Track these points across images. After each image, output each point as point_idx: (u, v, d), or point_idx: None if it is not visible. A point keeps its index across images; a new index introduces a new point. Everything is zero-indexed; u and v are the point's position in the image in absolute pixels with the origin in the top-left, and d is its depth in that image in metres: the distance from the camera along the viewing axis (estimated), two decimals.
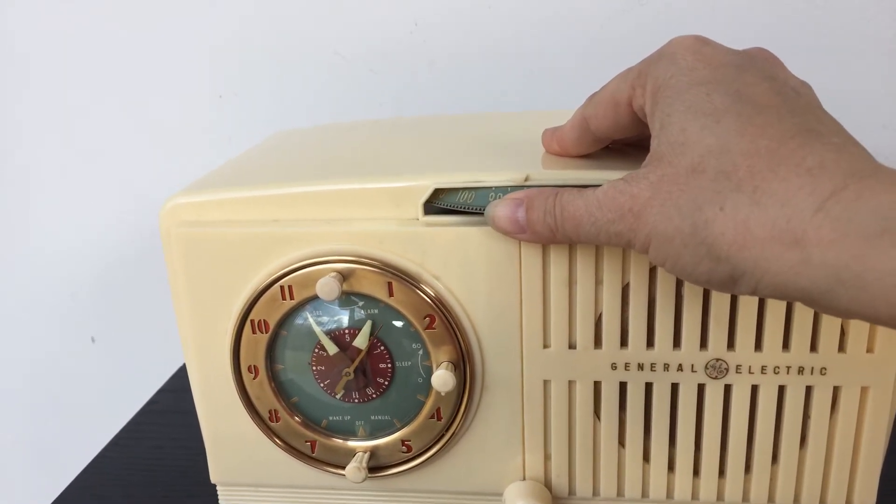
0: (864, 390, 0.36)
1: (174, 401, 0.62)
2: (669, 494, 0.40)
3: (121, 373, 0.81)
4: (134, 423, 0.59)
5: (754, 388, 0.37)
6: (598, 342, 0.37)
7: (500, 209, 0.34)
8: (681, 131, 0.29)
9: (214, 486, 0.45)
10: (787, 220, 0.25)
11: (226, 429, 0.42)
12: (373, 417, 0.41)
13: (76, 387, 0.83)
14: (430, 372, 0.39)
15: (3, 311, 0.81)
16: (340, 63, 0.68)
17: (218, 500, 0.45)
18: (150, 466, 0.53)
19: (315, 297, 0.38)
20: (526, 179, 0.36)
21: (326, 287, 0.36)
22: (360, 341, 0.39)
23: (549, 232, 0.33)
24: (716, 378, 0.37)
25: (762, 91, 0.29)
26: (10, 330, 0.82)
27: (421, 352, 0.39)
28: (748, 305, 0.35)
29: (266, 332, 0.39)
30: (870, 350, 0.35)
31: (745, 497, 0.39)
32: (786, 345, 0.36)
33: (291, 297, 0.38)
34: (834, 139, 0.27)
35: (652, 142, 0.30)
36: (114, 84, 0.70)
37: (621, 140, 0.37)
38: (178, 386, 0.64)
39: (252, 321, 0.39)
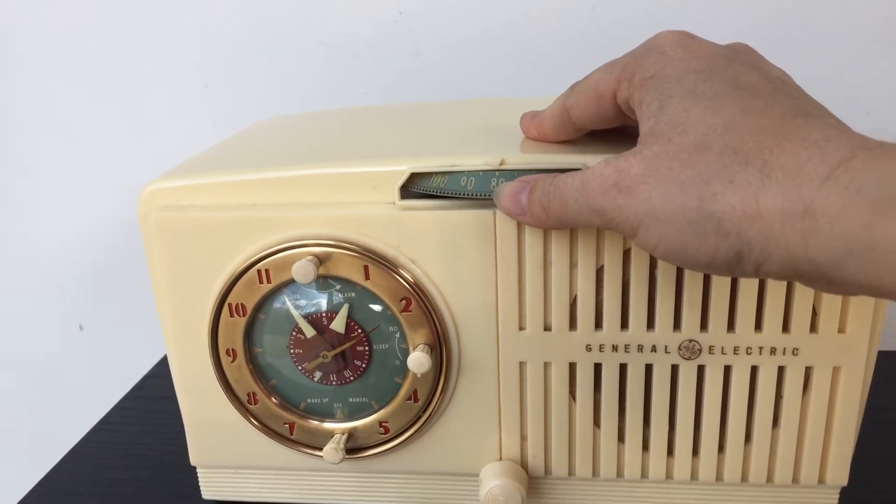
0: (835, 370, 0.37)
1: (160, 387, 0.63)
2: (644, 474, 0.40)
3: (109, 360, 0.81)
4: (119, 408, 0.60)
5: (727, 369, 0.37)
6: (573, 324, 0.38)
7: (505, 190, 0.34)
8: (684, 110, 0.28)
9: (195, 468, 0.45)
10: (797, 190, 0.25)
11: (205, 411, 0.43)
12: (350, 400, 0.41)
13: (65, 375, 0.83)
14: (406, 354, 0.39)
15: None
16: (326, 52, 0.68)
17: (199, 482, 0.46)
18: (134, 450, 0.53)
19: (292, 281, 0.38)
20: (501, 163, 0.36)
21: (302, 270, 0.37)
22: (338, 324, 0.39)
23: (542, 212, 0.32)
24: (689, 359, 0.37)
25: (754, 79, 0.29)
26: None
27: (398, 335, 0.39)
28: (721, 286, 0.36)
29: (244, 316, 0.40)
30: (841, 330, 0.36)
31: (719, 476, 0.39)
32: (758, 325, 0.36)
33: (269, 281, 0.39)
34: (830, 120, 0.27)
35: (645, 123, 0.30)
36: (99, 75, 0.70)
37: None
38: (164, 372, 0.64)
39: (230, 305, 0.39)
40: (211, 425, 0.43)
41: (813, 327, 0.36)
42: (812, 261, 0.25)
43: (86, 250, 0.77)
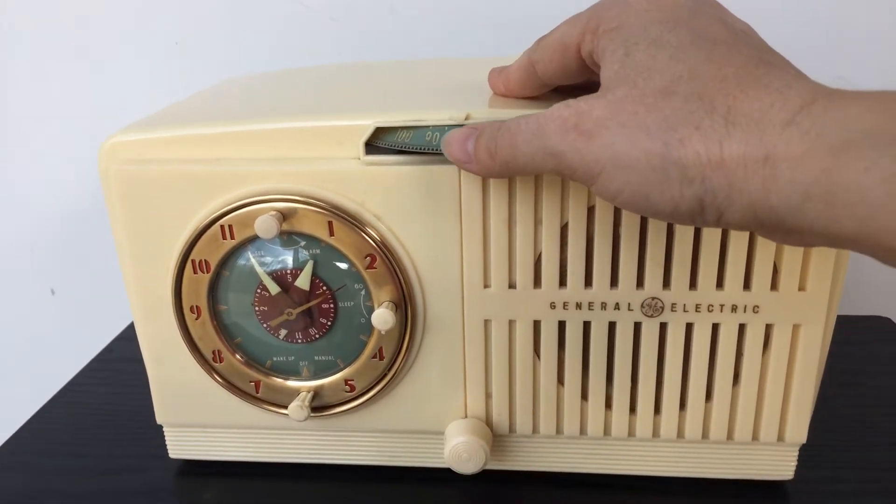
0: (795, 328, 0.37)
1: (131, 349, 0.62)
2: (607, 431, 0.40)
3: (81, 324, 0.80)
4: (88, 369, 0.59)
5: (689, 327, 0.38)
6: (537, 282, 0.38)
7: (453, 136, 0.34)
8: (650, 57, 0.28)
9: (162, 427, 0.45)
10: (759, 136, 0.25)
11: (169, 370, 0.42)
12: (316, 358, 0.41)
13: (36, 338, 0.82)
14: (372, 312, 0.39)
15: None
16: (301, 11, 0.67)
17: (165, 441, 0.46)
18: (102, 410, 0.53)
19: (257, 238, 0.38)
20: (467, 118, 0.35)
21: (264, 225, 0.36)
22: (302, 282, 0.39)
23: (488, 158, 0.32)
24: (651, 316, 0.37)
25: (717, 30, 0.29)
26: None
27: (363, 292, 0.39)
28: (684, 244, 0.36)
29: (207, 273, 0.39)
30: (802, 288, 0.36)
31: (680, 434, 0.40)
32: (720, 283, 0.36)
33: (232, 237, 0.38)
34: (791, 70, 0.27)
35: (608, 68, 0.29)
36: (68, 33, 0.69)
37: (568, 86, 0.37)
38: (135, 335, 0.63)
39: (193, 261, 0.39)
40: (176, 384, 0.43)
41: (774, 285, 0.36)
42: (772, 207, 0.25)
43: (56, 211, 0.76)
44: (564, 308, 0.38)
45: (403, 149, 0.36)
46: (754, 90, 0.26)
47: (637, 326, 0.38)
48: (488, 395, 0.41)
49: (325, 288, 0.39)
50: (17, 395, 0.84)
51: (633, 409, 0.40)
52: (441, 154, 0.36)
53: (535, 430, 0.41)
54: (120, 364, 0.60)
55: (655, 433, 0.40)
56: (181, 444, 0.46)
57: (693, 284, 0.37)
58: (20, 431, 0.51)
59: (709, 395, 0.39)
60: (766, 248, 0.35)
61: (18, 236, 0.78)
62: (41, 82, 0.71)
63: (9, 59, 0.70)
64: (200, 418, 0.44)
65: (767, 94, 0.25)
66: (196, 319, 0.40)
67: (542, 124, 0.29)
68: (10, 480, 0.46)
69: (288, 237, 0.39)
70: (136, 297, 0.41)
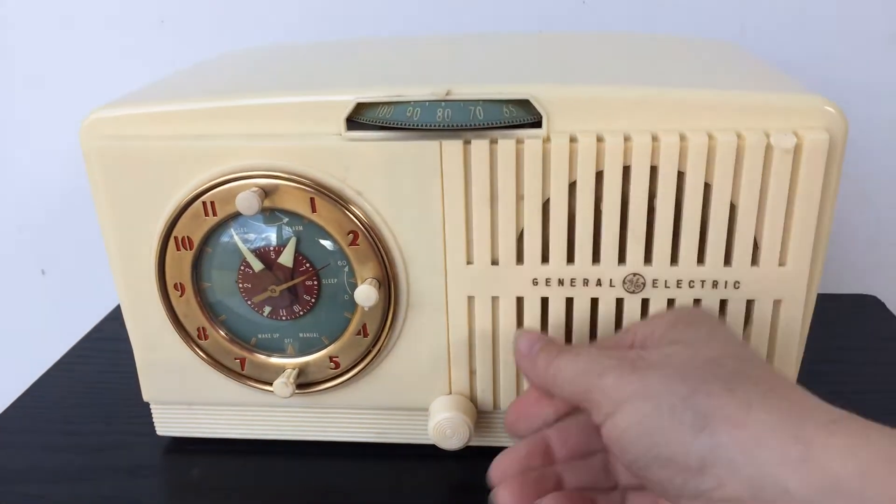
0: (776, 303, 0.37)
1: (119, 328, 0.62)
2: None
3: (70, 305, 0.80)
4: (77, 349, 0.59)
5: (670, 302, 0.38)
6: (520, 258, 0.38)
7: (528, 332, 0.34)
8: (706, 336, 0.30)
9: (149, 405, 0.45)
10: (797, 416, 0.25)
11: (155, 347, 0.42)
12: (301, 335, 0.41)
13: (26, 320, 0.82)
14: (355, 289, 0.39)
15: None
16: None
17: (152, 418, 0.46)
18: (90, 389, 0.53)
19: (239, 214, 0.38)
20: (447, 94, 0.35)
21: (246, 202, 0.36)
22: (285, 258, 0.39)
23: (544, 365, 0.32)
24: (633, 292, 0.37)
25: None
26: None
27: (346, 269, 0.39)
28: (664, 220, 0.36)
29: (190, 250, 0.39)
30: (782, 263, 0.36)
31: None
32: (700, 259, 0.37)
33: (214, 214, 0.38)
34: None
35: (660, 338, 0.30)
36: (53, 8, 0.68)
37: None
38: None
39: (176, 238, 0.39)
40: (162, 362, 0.43)
41: (754, 260, 0.36)
42: (785, 490, 0.24)
43: (45, 191, 0.76)
44: (547, 284, 0.38)
45: (385, 125, 0.36)
46: (799, 392, 0.26)
47: (619, 302, 0.38)
48: (472, 372, 0.41)
49: (308, 265, 0.39)
50: (7, 374, 0.85)
51: None
52: (423, 129, 0.36)
53: None
54: (108, 343, 0.60)
55: None
56: (168, 422, 0.46)
57: (674, 260, 0.37)
58: (8, 410, 0.51)
59: None
60: (746, 224, 0.35)
61: (6, 216, 0.78)
62: (25, 60, 0.70)
63: None
64: (187, 396, 0.44)
65: (808, 398, 0.26)
66: (180, 297, 0.40)
67: (602, 352, 0.30)
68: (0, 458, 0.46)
69: (270, 214, 0.38)
70: (120, 275, 0.41)
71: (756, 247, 0.36)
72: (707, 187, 0.35)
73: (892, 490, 0.22)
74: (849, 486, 0.22)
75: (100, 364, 0.57)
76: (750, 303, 0.37)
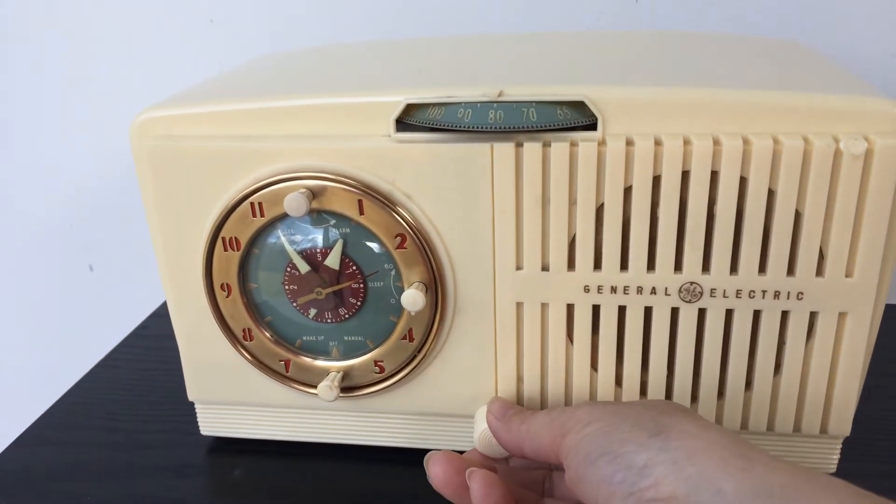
0: (841, 316, 0.36)
1: (165, 325, 0.62)
2: None
3: (118, 301, 0.81)
4: (123, 346, 0.60)
5: (729, 313, 0.36)
6: (571, 264, 0.37)
7: (500, 400, 0.38)
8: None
9: (193, 404, 0.45)
10: (748, 446, 0.27)
11: (201, 347, 0.42)
12: (346, 338, 0.41)
13: (75, 315, 0.83)
14: (402, 293, 0.38)
15: (2, 239, 0.82)
16: None
17: (197, 418, 0.46)
18: (135, 387, 0.53)
19: (286, 216, 0.38)
20: (500, 95, 0.35)
21: (294, 203, 0.36)
22: (332, 261, 0.39)
23: (516, 428, 0.35)
24: (690, 302, 0.36)
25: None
26: (8, 259, 0.82)
27: (393, 272, 0.39)
28: (724, 227, 0.34)
29: (237, 250, 0.39)
30: (849, 275, 0.35)
31: (718, 422, 0.39)
32: (762, 268, 0.35)
33: (262, 215, 0.38)
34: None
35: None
36: (106, 13, 0.69)
37: None
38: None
39: (223, 238, 0.39)
40: (207, 361, 0.43)
41: (819, 271, 0.35)
42: (722, 490, 0.25)
43: (94, 189, 0.77)
44: (599, 292, 0.37)
45: (435, 126, 0.35)
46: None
47: (674, 312, 0.37)
48: (519, 380, 0.40)
49: (354, 267, 0.39)
50: (53, 370, 0.86)
51: (668, 396, 0.39)
52: (474, 131, 0.35)
53: None
54: (154, 341, 0.60)
55: None
56: (212, 422, 0.46)
57: (734, 269, 0.35)
58: (55, 406, 0.52)
59: (748, 385, 0.38)
60: (811, 233, 0.34)
61: (57, 213, 0.79)
62: (76, 60, 0.71)
63: (46, 38, 0.71)
64: (231, 396, 0.44)
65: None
66: (227, 297, 0.40)
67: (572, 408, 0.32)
68: (45, 454, 0.47)
69: (318, 215, 0.38)
70: (167, 274, 0.41)
71: (821, 257, 0.34)
72: (771, 193, 0.33)
73: (816, 493, 0.24)
74: (781, 493, 0.24)
75: (145, 361, 0.57)
76: (813, 315, 0.36)
